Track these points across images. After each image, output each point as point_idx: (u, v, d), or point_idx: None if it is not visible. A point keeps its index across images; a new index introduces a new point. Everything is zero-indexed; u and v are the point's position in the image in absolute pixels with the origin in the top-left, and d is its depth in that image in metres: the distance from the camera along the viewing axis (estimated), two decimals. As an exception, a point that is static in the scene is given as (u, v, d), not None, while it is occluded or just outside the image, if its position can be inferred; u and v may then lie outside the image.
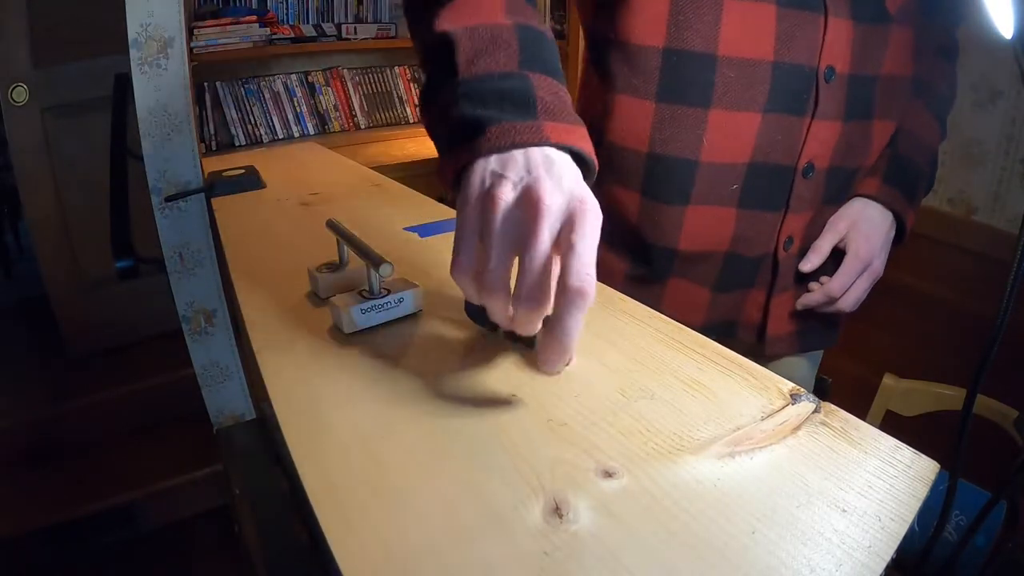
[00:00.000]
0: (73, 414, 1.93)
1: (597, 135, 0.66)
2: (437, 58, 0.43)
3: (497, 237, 0.35)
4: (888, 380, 1.23)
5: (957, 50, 0.77)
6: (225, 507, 1.78)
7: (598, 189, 0.40)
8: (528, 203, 0.35)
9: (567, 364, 0.37)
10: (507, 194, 0.35)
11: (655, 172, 0.65)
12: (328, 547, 0.30)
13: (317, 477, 0.35)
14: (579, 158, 0.39)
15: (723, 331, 0.74)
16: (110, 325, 2.18)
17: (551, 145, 0.38)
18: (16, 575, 1.64)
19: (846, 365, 1.72)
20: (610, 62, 0.64)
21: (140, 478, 1.77)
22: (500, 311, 0.37)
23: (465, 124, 0.39)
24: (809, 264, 0.71)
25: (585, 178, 0.38)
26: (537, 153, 0.37)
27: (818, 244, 0.71)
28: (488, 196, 0.36)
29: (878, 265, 0.72)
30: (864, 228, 0.70)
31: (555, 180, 0.36)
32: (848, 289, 0.71)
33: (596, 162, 0.41)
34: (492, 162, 0.37)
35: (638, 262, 0.71)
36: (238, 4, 2.00)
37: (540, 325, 0.37)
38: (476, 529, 0.31)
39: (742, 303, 0.74)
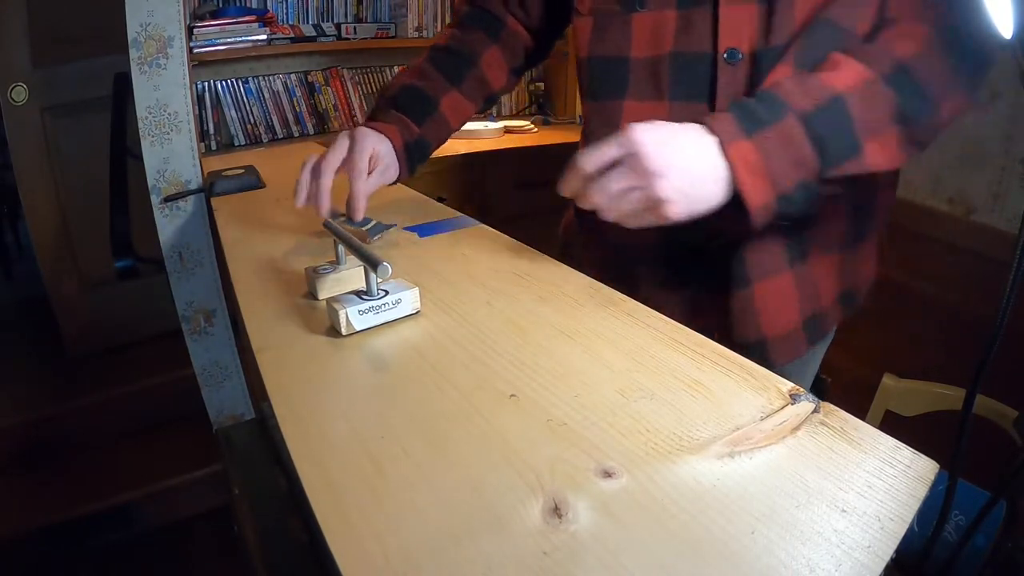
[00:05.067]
0: (73, 414, 1.92)
1: None
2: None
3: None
4: (888, 380, 1.23)
5: (944, 19, 0.56)
6: (225, 507, 1.78)
7: None
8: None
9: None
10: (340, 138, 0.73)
11: None
12: (328, 547, 0.30)
13: (317, 477, 0.35)
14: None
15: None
16: (110, 325, 2.18)
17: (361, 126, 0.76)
18: (16, 575, 1.64)
19: (846, 365, 1.72)
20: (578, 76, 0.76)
21: (140, 478, 1.77)
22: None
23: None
24: (567, 187, 0.57)
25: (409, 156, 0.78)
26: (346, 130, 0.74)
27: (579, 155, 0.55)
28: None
29: (652, 169, 0.51)
30: (647, 125, 0.53)
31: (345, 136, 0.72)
32: (603, 175, 0.53)
33: (392, 139, 0.76)
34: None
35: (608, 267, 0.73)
36: (238, 4, 2.00)
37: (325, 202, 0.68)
38: (475, 529, 0.31)
39: (698, 306, 0.71)
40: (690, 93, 0.64)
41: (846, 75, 0.54)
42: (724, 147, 0.52)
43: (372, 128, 0.75)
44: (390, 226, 0.76)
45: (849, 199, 0.67)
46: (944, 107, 0.56)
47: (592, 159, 0.53)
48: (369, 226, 0.74)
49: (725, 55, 0.61)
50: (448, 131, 0.83)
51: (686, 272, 0.71)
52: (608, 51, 0.69)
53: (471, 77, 0.82)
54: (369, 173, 0.72)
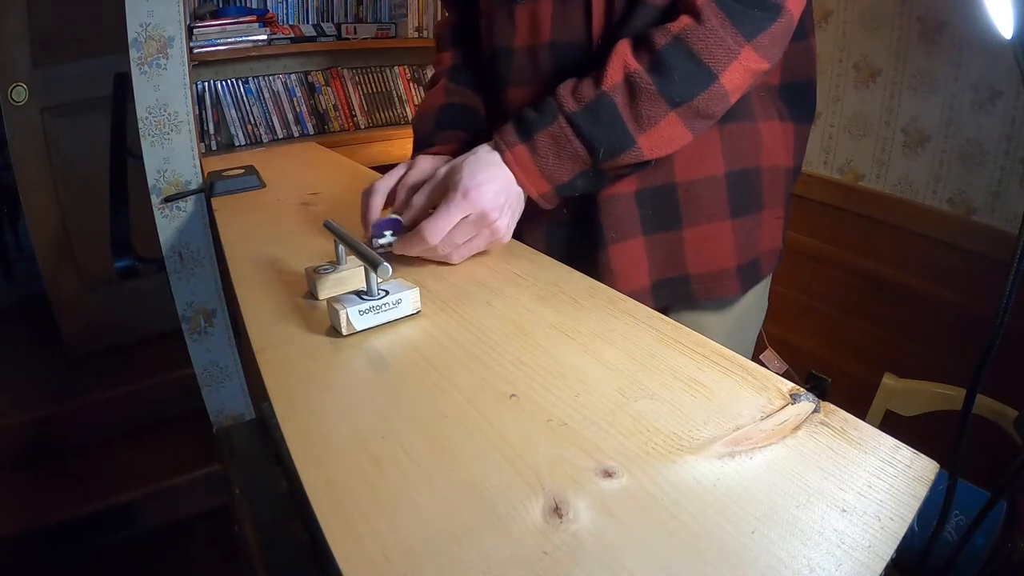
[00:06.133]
0: (73, 414, 1.93)
1: None
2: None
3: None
4: (888, 380, 1.23)
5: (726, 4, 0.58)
6: (225, 507, 1.78)
7: None
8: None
9: None
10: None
11: None
12: (328, 547, 0.30)
13: (317, 477, 0.35)
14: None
15: None
16: (110, 325, 2.18)
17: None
18: (16, 575, 1.64)
19: (846, 365, 1.72)
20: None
21: (140, 478, 1.77)
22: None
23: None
24: (399, 244, 0.64)
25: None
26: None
27: (413, 204, 0.64)
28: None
29: (492, 218, 0.60)
30: (466, 173, 0.60)
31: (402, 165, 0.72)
32: (448, 235, 0.59)
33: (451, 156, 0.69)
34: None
35: None
36: (238, 4, 2.00)
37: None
38: (476, 529, 0.31)
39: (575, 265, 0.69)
40: (566, 79, 0.66)
41: (612, 72, 0.59)
42: (503, 154, 0.62)
43: (429, 154, 0.73)
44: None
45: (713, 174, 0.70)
46: (726, 73, 0.59)
47: (438, 231, 0.59)
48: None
49: (601, 42, 0.65)
50: None
51: (560, 236, 0.74)
52: (498, 43, 0.73)
53: None
54: None
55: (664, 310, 0.66)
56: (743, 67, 0.59)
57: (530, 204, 0.66)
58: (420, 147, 0.77)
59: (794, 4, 0.59)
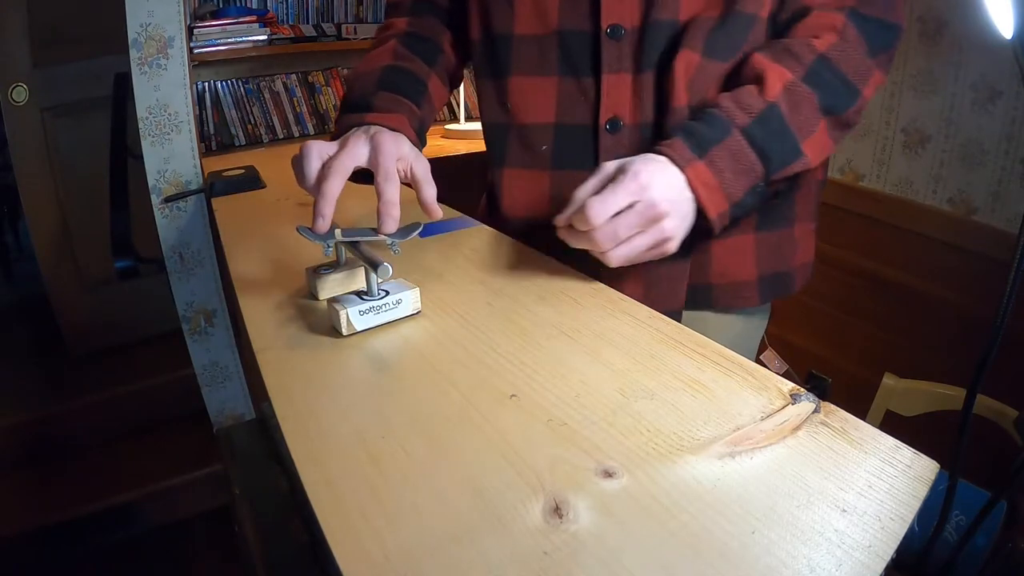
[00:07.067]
0: (73, 414, 1.93)
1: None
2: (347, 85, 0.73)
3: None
4: (888, 380, 1.23)
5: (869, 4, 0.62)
6: (225, 507, 1.78)
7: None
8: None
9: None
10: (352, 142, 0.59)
11: (490, 141, 0.78)
12: (328, 547, 0.30)
13: (317, 477, 0.35)
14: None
15: None
16: (110, 325, 2.18)
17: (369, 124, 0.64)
18: (16, 575, 1.64)
19: (846, 365, 1.72)
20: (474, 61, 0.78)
21: (140, 478, 1.77)
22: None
23: (341, 118, 0.69)
24: (562, 217, 0.57)
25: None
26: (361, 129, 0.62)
27: (577, 193, 0.56)
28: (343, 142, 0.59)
29: (662, 211, 0.54)
30: (638, 164, 0.55)
31: (360, 137, 0.59)
32: (612, 221, 0.53)
33: (407, 134, 0.65)
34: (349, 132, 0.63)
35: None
36: (238, 4, 2.00)
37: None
38: (476, 529, 0.31)
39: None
40: (577, 67, 0.68)
41: (772, 83, 0.59)
42: (683, 170, 0.56)
43: (382, 123, 0.63)
44: (415, 225, 0.58)
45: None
46: (866, 88, 0.61)
47: (603, 210, 0.52)
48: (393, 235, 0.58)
49: (608, 31, 0.65)
50: (432, 119, 0.76)
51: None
52: (496, 28, 0.71)
53: (441, 62, 0.79)
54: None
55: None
56: (875, 83, 0.61)
57: None
58: (353, 108, 0.67)
59: (905, 20, 0.61)
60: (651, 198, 0.53)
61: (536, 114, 0.71)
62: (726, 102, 0.59)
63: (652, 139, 0.65)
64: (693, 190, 0.56)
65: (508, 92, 0.72)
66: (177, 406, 1.93)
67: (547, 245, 0.66)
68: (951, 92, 1.43)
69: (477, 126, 2.12)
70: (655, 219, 0.54)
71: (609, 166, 0.56)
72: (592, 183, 0.55)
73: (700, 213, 0.58)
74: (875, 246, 1.61)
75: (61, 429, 1.90)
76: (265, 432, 0.73)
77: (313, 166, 0.57)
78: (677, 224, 0.55)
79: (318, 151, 0.57)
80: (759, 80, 0.59)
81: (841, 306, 1.72)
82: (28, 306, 2.60)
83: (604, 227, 0.53)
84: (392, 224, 0.54)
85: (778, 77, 0.59)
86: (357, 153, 0.57)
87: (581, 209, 0.53)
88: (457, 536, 0.31)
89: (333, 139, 0.63)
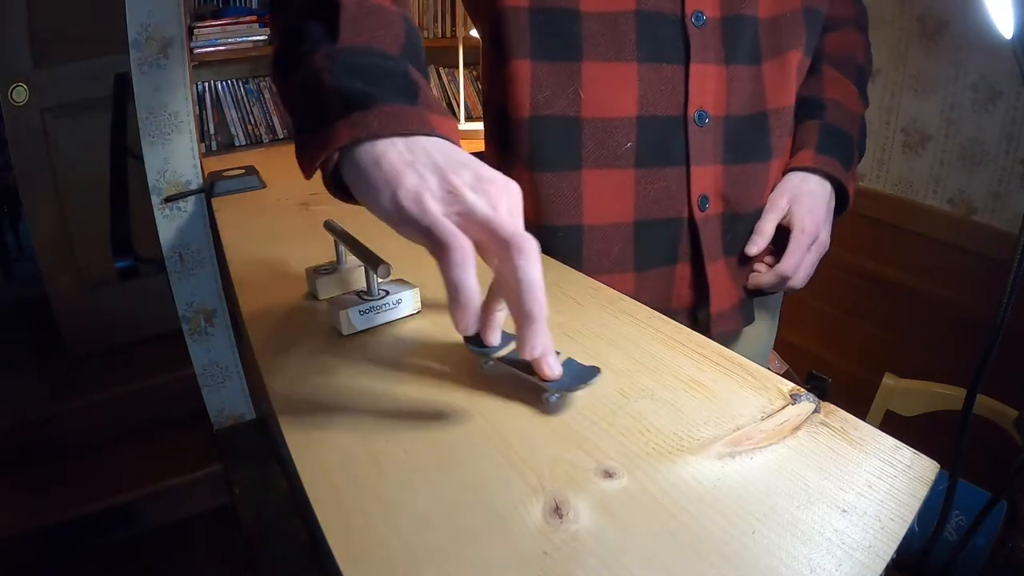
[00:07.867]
0: (73, 414, 1.93)
1: (498, 110, 0.67)
2: (315, 16, 0.40)
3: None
4: (888, 380, 1.23)
5: (866, 17, 0.79)
6: (225, 507, 1.78)
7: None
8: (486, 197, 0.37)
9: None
10: (461, 187, 0.36)
11: (541, 137, 0.64)
12: (328, 547, 0.30)
13: (317, 477, 0.35)
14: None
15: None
16: (110, 325, 2.18)
17: (437, 135, 0.38)
18: (16, 575, 1.64)
19: (846, 365, 1.72)
20: (492, 29, 0.64)
21: (140, 478, 1.77)
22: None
23: (342, 95, 0.37)
24: (755, 247, 0.70)
25: None
26: (427, 142, 0.37)
27: (761, 225, 0.69)
28: (446, 182, 0.36)
29: (824, 237, 0.70)
30: (806, 201, 0.69)
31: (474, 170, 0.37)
32: (799, 266, 0.69)
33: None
34: (399, 145, 0.36)
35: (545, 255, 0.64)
36: (238, 4, 2.00)
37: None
38: (476, 529, 0.31)
39: (670, 281, 0.69)
40: (663, 55, 0.62)
41: (851, 98, 0.74)
42: (847, 186, 0.72)
43: (448, 135, 0.39)
44: (592, 371, 0.41)
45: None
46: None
47: (803, 275, 0.70)
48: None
49: (692, 18, 0.62)
50: None
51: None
52: (550, 2, 0.60)
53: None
54: None
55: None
56: None
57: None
58: (388, 86, 0.39)
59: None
60: (822, 240, 0.70)
61: (616, 106, 0.63)
62: (839, 115, 0.72)
63: (736, 133, 0.67)
64: (849, 197, 0.73)
65: (581, 80, 0.62)
66: (177, 406, 1.93)
67: (620, 250, 0.66)
68: (951, 92, 1.43)
69: (477, 126, 2.12)
70: (822, 246, 0.70)
71: (781, 202, 0.69)
72: (772, 219, 0.69)
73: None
74: (875, 246, 1.61)
75: (61, 429, 1.90)
76: (265, 432, 0.73)
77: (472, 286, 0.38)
78: (829, 231, 0.72)
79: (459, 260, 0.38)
80: (844, 93, 0.73)
81: (841, 306, 1.72)
82: (28, 306, 2.60)
83: (799, 277, 0.69)
84: (553, 367, 0.38)
85: (850, 91, 0.74)
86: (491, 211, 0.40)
87: (776, 273, 0.69)
88: (457, 536, 0.31)
89: (372, 136, 0.36)
